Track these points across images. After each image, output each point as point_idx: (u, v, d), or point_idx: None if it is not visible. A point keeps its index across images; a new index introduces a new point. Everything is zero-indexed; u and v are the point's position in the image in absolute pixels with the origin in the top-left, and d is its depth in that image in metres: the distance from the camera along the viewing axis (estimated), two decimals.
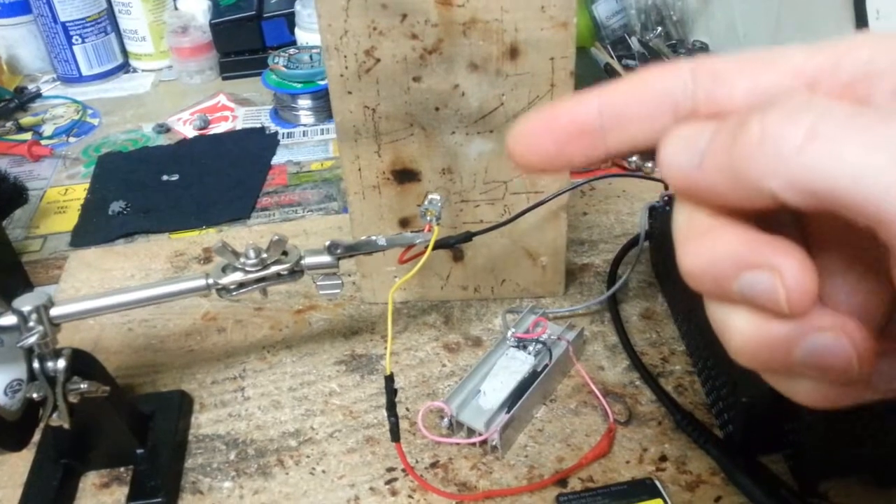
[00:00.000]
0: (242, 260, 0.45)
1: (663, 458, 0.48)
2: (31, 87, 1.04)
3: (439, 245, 0.50)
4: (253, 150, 0.86)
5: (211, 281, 0.45)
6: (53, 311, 0.42)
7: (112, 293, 0.44)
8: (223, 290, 0.45)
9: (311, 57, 0.91)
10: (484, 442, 0.49)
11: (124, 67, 1.08)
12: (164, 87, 1.04)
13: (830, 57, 0.18)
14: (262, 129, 0.91)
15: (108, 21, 1.04)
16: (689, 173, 0.18)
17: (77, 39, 1.01)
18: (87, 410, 0.44)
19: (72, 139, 0.92)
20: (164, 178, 0.82)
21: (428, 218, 0.49)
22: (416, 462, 0.49)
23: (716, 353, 0.49)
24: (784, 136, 0.16)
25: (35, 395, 0.41)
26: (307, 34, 0.98)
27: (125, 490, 0.48)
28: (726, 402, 0.48)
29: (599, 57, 0.93)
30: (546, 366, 0.52)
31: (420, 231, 0.49)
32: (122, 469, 0.49)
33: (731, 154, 0.17)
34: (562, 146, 0.20)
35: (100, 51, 1.04)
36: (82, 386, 0.42)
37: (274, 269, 0.45)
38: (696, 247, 0.18)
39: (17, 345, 0.41)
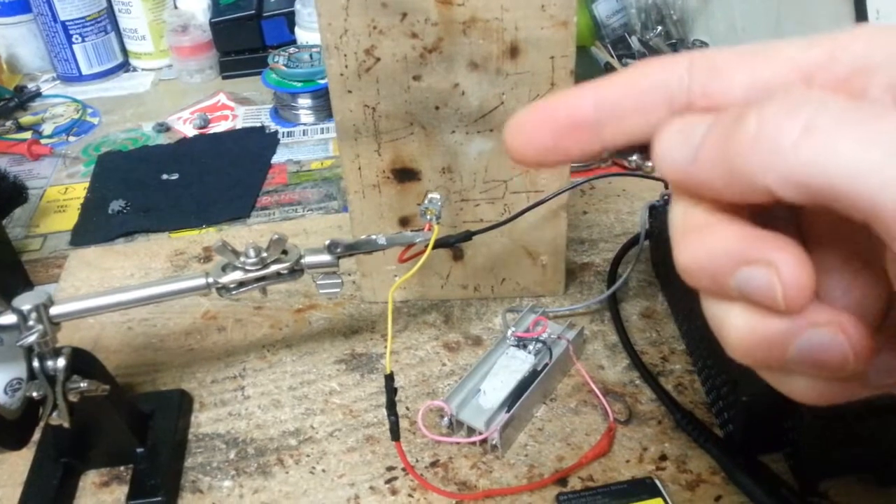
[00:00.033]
0: (242, 259, 0.45)
1: (663, 458, 0.48)
2: (31, 86, 1.04)
3: (439, 244, 0.50)
4: (253, 149, 0.86)
5: (211, 280, 0.45)
6: (53, 310, 0.42)
7: (112, 292, 0.44)
8: (223, 289, 0.45)
9: (311, 56, 0.91)
10: (484, 441, 0.49)
11: (124, 66, 1.08)
12: (164, 86, 1.04)
13: (826, 50, 0.18)
14: (262, 128, 0.91)
15: (108, 20, 1.04)
16: (683, 168, 0.18)
17: (77, 38, 1.01)
18: (86, 409, 0.44)
19: (72, 138, 0.92)
20: (164, 177, 0.82)
21: (428, 217, 0.49)
22: (416, 461, 0.49)
23: (716, 352, 0.49)
24: (780, 130, 0.16)
25: (35, 394, 0.41)
26: (307, 33, 0.98)
27: (125, 489, 0.48)
28: (726, 402, 0.48)
29: (600, 56, 0.93)
30: (546, 365, 0.52)
31: (420, 230, 0.49)
32: (121, 468, 0.49)
33: (726, 149, 0.17)
34: (557, 140, 0.20)
35: (100, 50, 1.04)
36: (82, 385, 0.42)
37: (274, 268, 0.45)
38: (693, 242, 0.18)
39: (16, 343, 0.41)
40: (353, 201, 0.56)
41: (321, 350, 0.58)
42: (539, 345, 0.53)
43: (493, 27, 0.48)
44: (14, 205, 0.71)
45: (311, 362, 0.57)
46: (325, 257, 0.46)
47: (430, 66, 0.49)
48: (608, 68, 0.90)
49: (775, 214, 0.18)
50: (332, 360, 0.57)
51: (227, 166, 0.83)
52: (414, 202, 0.56)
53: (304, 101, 0.91)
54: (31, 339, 0.40)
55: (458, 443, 0.49)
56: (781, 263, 0.16)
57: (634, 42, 0.94)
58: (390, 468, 0.49)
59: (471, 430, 0.49)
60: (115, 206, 0.76)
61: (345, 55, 0.49)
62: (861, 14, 0.65)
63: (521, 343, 0.54)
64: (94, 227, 0.74)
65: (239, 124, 0.92)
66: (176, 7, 1.07)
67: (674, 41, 0.95)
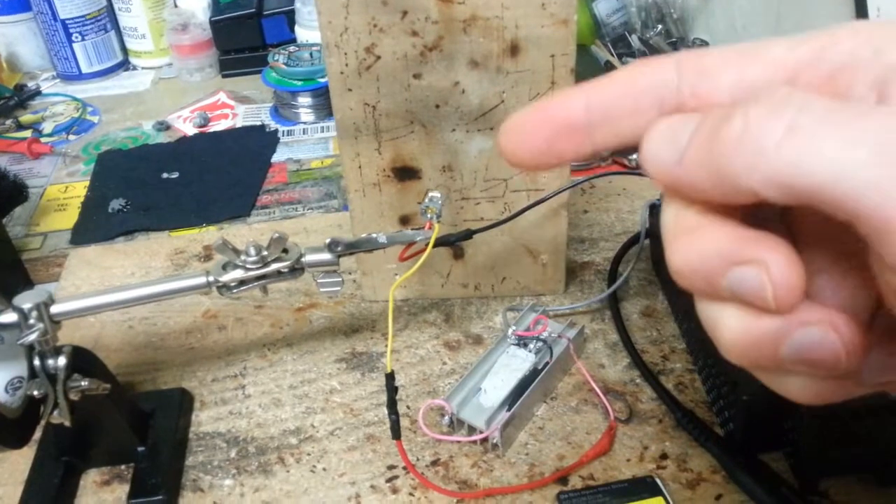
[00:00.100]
0: (243, 257, 0.45)
1: (664, 456, 0.48)
2: (31, 84, 1.04)
3: (440, 243, 0.50)
4: (253, 147, 0.86)
5: (211, 278, 0.45)
6: (54, 309, 0.42)
7: (112, 291, 0.44)
8: (224, 288, 0.45)
9: (311, 54, 0.91)
10: (485, 440, 0.49)
11: (124, 65, 1.08)
12: (164, 85, 1.04)
13: (813, 48, 0.18)
14: (262, 126, 0.91)
15: (108, 18, 1.04)
16: (670, 169, 0.18)
17: (77, 37, 1.01)
18: (87, 408, 0.44)
19: (72, 137, 0.92)
20: (165, 175, 0.82)
21: (428, 215, 0.49)
22: (417, 460, 0.49)
23: (716, 351, 0.49)
24: (764, 131, 0.16)
25: (36, 393, 0.41)
26: (307, 32, 0.98)
27: (126, 488, 0.48)
28: (727, 400, 0.48)
29: (600, 55, 0.93)
30: (546, 364, 0.52)
31: (420, 229, 0.49)
32: (122, 467, 0.49)
33: (711, 150, 0.17)
34: (550, 142, 0.20)
35: (99, 48, 1.04)
36: (83, 383, 0.42)
37: (274, 266, 0.45)
38: (685, 244, 0.18)
39: (17, 342, 0.41)
40: (354, 200, 0.56)
41: (322, 349, 0.58)
42: (540, 343, 0.53)
43: (494, 25, 0.48)
44: (14, 203, 0.71)
45: (312, 361, 0.57)
46: (326, 256, 0.46)
47: (431, 64, 0.49)
48: (608, 67, 0.90)
49: (766, 215, 0.18)
50: (332, 359, 0.57)
51: (228, 165, 0.83)
52: (414, 201, 0.56)
53: (305, 100, 0.91)
54: (32, 337, 0.40)
55: (458, 441, 0.50)
56: (771, 263, 0.17)
57: (634, 41, 0.94)
58: (391, 467, 0.49)
59: (471, 429, 0.49)
60: (116, 204, 0.76)
61: (345, 53, 0.49)
62: (861, 12, 0.65)
63: (522, 342, 0.54)
64: (94, 226, 0.74)
65: (239, 123, 0.92)
66: (176, 5, 1.07)
67: (674, 40, 0.95)
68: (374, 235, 0.47)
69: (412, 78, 0.50)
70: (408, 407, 0.53)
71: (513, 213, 0.55)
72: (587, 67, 0.90)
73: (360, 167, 0.54)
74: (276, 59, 0.91)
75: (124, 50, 1.08)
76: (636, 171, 0.70)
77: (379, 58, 0.49)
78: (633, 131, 0.19)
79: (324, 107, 0.90)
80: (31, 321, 0.41)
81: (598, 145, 0.20)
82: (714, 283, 0.18)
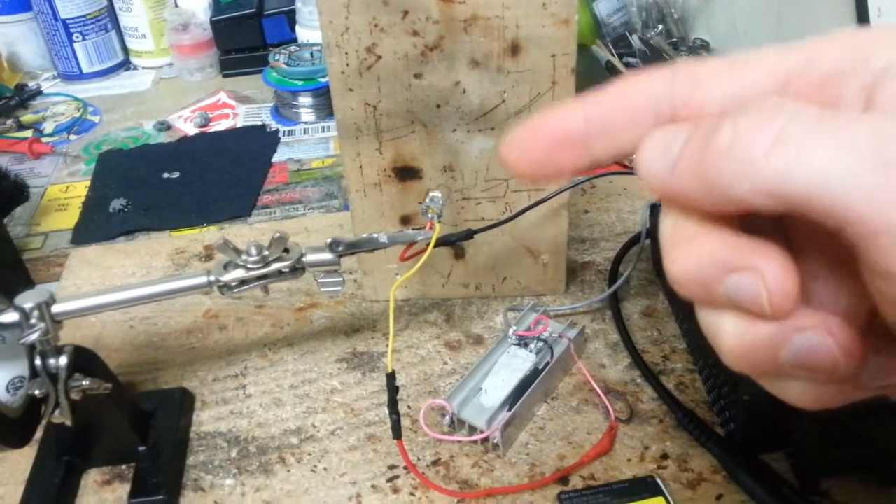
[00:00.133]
0: (244, 257, 0.45)
1: (665, 456, 0.48)
2: (32, 84, 1.04)
3: (441, 243, 0.50)
4: (254, 147, 0.86)
5: (212, 278, 0.45)
6: (55, 308, 0.42)
7: (114, 290, 0.44)
8: (225, 288, 0.45)
9: (311, 54, 0.91)
10: (485, 440, 0.49)
11: (125, 65, 1.08)
12: (165, 85, 1.04)
13: (803, 57, 0.18)
14: (263, 126, 0.91)
15: (109, 18, 1.04)
16: (663, 178, 0.18)
17: (77, 37, 1.01)
18: (88, 407, 0.44)
19: (72, 137, 0.92)
20: (165, 175, 0.82)
21: (429, 215, 0.49)
22: (418, 460, 0.49)
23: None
24: (753, 140, 0.16)
25: (37, 392, 0.41)
26: (308, 31, 0.98)
27: (127, 487, 0.48)
28: (727, 400, 0.48)
29: (600, 54, 0.93)
30: (547, 364, 0.52)
31: (421, 229, 0.49)
32: (123, 466, 0.49)
33: (701, 159, 0.17)
34: (550, 154, 0.21)
35: (100, 48, 1.04)
36: (84, 383, 0.42)
37: (275, 266, 0.45)
38: (682, 254, 0.19)
39: (18, 342, 0.41)
40: (355, 200, 0.56)
41: (322, 349, 0.58)
42: (540, 343, 0.53)
43: (495, 25, 0.48)
44: (15, 203, 0.71)
45: (313, 361, 0.57)
46: (327, 256, 0.46)
47: (432, 64, 0.49)
48: (609, 67, 0.90)
49: (763, 224, 0.19)
50: (333, 359, 0.57)
51: (228, 165, 0.83)
52: (415, 201, 0.56)
53: (305, 100, 0.91)
54: (34, 337, 0.40)
55: (459, 441, 0.50)
56: (766, 270, 0.17)
57: (635, 41, 0.94)
58: (392, 467, 0.49)
59: (472, 429, 0.49)
60: (116, 204, 0.76)
61: (346, 53, 0.49)
62: (862, 12, 0.65)
63: (523, 342, 0.54)
64: (95, 226, 0.74)
65: (240, 123, 0.92)
66: (177, 5, 1.07)
67: (674, 40, 0.95)
68: (375, 235, 0.47)
69: (413, 78, 0.50)
70: (409, 407, 0.53)
71: (514, 213, 0.55)
72: (588, 67, 0.90)
73: (361, 167, 0.54)
74: (276, 58, 0.91)
75: (125, 50, 1.08)
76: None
77: (380, 57, 0.49)
78: (630, 142, 0.20)
79: (324, 107, 0.90)
80: (33, 321, 0.41)
81: (597, 156, 0.21)
82: (711, 291, 0.18)
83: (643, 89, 0.20)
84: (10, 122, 0.94)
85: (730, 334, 0.18)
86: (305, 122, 0.91)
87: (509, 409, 0.49)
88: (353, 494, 0.47)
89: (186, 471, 0.49)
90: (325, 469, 0.49)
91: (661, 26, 0.95)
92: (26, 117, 0.96)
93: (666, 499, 0.45)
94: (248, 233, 0.72)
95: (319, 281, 0.47)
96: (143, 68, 1.08)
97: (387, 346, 0.57)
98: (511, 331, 0.55)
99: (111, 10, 1.04)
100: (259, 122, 0.92)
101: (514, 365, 0.52)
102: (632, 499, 0.45)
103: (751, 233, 0.18)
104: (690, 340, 0.56)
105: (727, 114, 0.17)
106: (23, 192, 0.71)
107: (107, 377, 0.45)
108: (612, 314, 0.59)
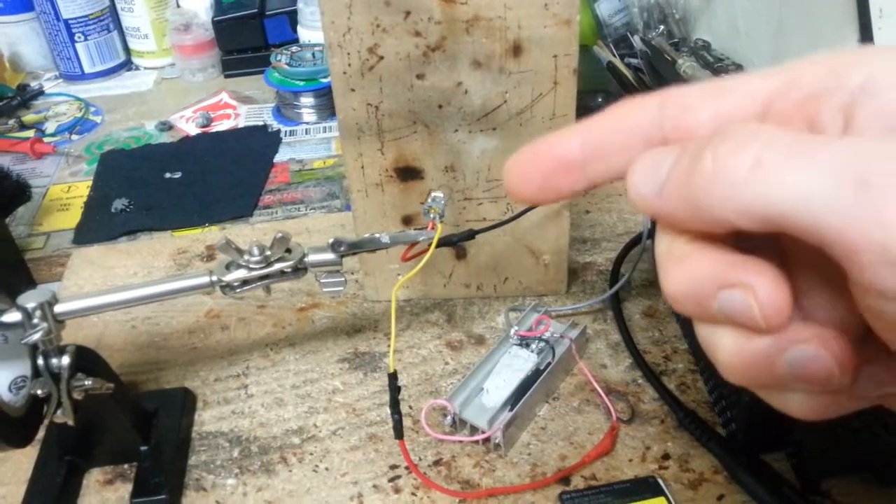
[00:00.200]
0: (246, 257, 0.45)
1: (666, 457, 0.48)
2: (34, 84, 1.04)
3: (442, 243, 0.50)
4: (255, 147, 0.87)
5: (215, 278, 0.45)
6: (58, 308, 0.42)
7: (116, 290, 0.44)
8: (227, 288, 0.45)
9: (313, 55, 0.91)
10: (487, 440, 0.49)
11: (127, 65, 1.08)
12: (167, 85, 1.04)
13: (784, 80, 0.19)
14: (265, 126, 0.91)
15: (111, 18, 1.04)
16: (651, 201, 0.19)
17: (79, 37, 1.01)
18: (91, 407, 0.44)
19: (74, 137, 0.92)
20: (167, 175, 0.82)
21: (431, 216, 0.49)
22: (420, 460, 0.49)
23: None
24: (732, 166, 0.17)
25: (39, 392, 0.41)
26: (309, 32, 0.98)
27: (129, 487, 0.48)
28: (729, 401, 0.48)
29: (602, 55, 0.93)
30: (549, 364, 0.52)
31: (423, 229, 0.49)
32: (125, 466, 0.49)
33: (688, 183, 0.18)
34: (548, 179, 0.22)
35: (102, 48, 1.04)
36: (86, 383, 0.42)
37: (277, 266, 0.45)
38: (677, 271, 0.19)
39: (21, 341, 0.41)
40: (356, 200, 0.56)
41: (324, 349, 0.58)
42: (542, 344, 0.53)
43: (496, 26, 0.48)
44: (17, 203, 0.71)
45: (315, 361, 0.57)
46: (329, 256, 0.46)
47: (434, 64, 0.49)
48: (610, 67, 0.90)
49: (756, 241, 0.19)
50: (335, 359, 0.57)
51: (230, 165, 0.83)
52: (417, 201, 0.56)
53: (307, 100, 0.91)
54: (36, 336, 0.40)
55: (461, 441, 0.50)
56: (757, 286, 0.17)
57: (637, 41, 0.94)
58: (393, 466, 0.49)
59: (474, 429, 0.49)
60: (118, 204, 0.77)
61: (348, 53, 0.49)
62: (863, 12, 0.65)
63: (524, 342, 0.54)
64: (97, 226, 0.75)
65: (241, 123, 0.93)
66: (178, 6, 1.07)
67: (676, 40, 0.95)
68: (377, 235, 0.47)
69: (415, 78, 0.50)
70: (410, 407, 0.53)
71: (515, 214, 0.55)
72: (589, 68, 0.90)
73: (362, 167, 0.54)
74: (278, 59, 0.91)
75: (127, 50, 1.08)
76: None
77: (382, 58, 0.49)
78: (624, 166, 0.21)
79: (326, 107, 0.91)
80: (35, 320, 0.41)
81: (593, 180, 0.22)
82: (705, 307, 0.18)
83: (634, 115, 0.21)
84: (12, 122, 0.94)
85: (727, 348, 0.19)
86: (307, 123, 0.91)
87: (511, 410, 0.49)
88: (355, 494, 0.47)
89: (188, 470, 0.49)
90: (326, 469, 0.49)
91: (662, 27, 0.95)
92: (28, 117, 0.96)
93: (667, 499, 0.45)
94: (250, 233, 0.72)
95: (321, 281, 0.47)
96: (145, 68, 1.08)
97: (388, 346, 0.57)
98: (512, 331, 0.55)
99: (113, 10, 1.04)
100: (261, 123, 0.92)
101: (515, 365, 0.52)
102: (633, 499, 0.45)
103: (744, 249, 0.19)
104: (692, 341, 0.56)
105: (710, 138, 0.18)
106: (25, 192, 0.71)
107: (109, 377, 0.45)
108: (614, 314, 0.59)
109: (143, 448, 0.49)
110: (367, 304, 0.62)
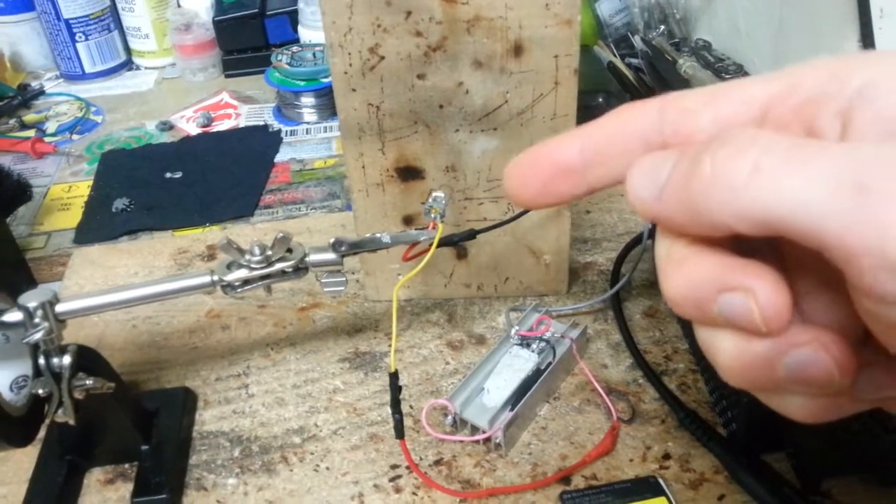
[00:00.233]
0: (247, 257, 0.45)
1: (667, 457, 0.48)
2: (35, 84, 1.04)
3: (443, 243, 0.50)
4: (256, 147, 0.87)
5: (216, 278, 0.45)
6: (59, 308, 0.42)
7: (118, 289, 0.44)
8: (228, 287, 0.45)
9: (314, 55, 0.91)
10: (487, 439, 0.49)
11: (127, 65, 1.08)
12: (168, 85, 1.04)
13: (783, 85, 0.19)
14: (266, 126, 0.91)
15: (112, 18, 1.04)
16: (651, 205, 0.19)
17: (80, 37, 1.01)
18: (92, 407, 0.44)
19: (75, 136, 0.92)
20: (168, 175, 0.82)
21: (432, 215, 0.49)
22: (420, 459, 0.49)
23: None
24: (732, 171, 0.17)
25: (40, 391, 0.41)
26: (310, 32, 0.98)
27: (130, 486, 0.48)
28: (729, 401, 0.48)
29: (602, 55, 0.93)
30: (549, 364, 0.52)
31: (424, 229, 0.49)
32: (126, 465, 0.49)
33: (686, 188, 0.18)
34: (548, 184, 0.22)
35: (103, 48, 1.04)
36: (87, 382, 0.42)
37: (278, 266, 0.45)
38: (677, 274, 0.19)
39: (22, 341, 0.41)
40: (357, 200, 0.56)
41: (325, 348, 0.58)
42: (542, 343, 0.53)
43: (498, 26, 0.48)
44: (18, 203, 0.71)
45: (315, 360, 0.57)
46: (330, 255, 0.46)
47: (435, 64, 0.49)
48: (611, 67, 0.90)
49: (756, 244, 0.19)
50: (335, 359, 0.57)
51: (231, 165, 0.83)
52: (418, 201, 0.56)
53: (308, 100, 0.91)
54: (38, 336, 0.40)
55: (461, 441, 0.50)
56: (758, 289, 0.17)
57: (637, 41, 0.94)
58: (394, 466, 0.49)
59: (474, 429, 0.49)
60: (119, 204, 0.77)
61: (349, 53, 0.49)
62: (864, 11, 0.65)
63: (525, 342, 0.54)
64: (97, 226, 0.75)
65: (242, 123, 0.93)
66: (179, 5, 1.07)
67: (677, 40, 0.95)
68: (378, 235, 0.47)
69: (416, 78, 0.50)
70: (411, 406, 0.53)
71: (516, 214, 0.55)
72: (590, 68, 0.90)
73: (363, 167, 0.54)
74: (279, 59, 0.91)
75: (128, 50, 1.08)
76: None
77: (383, 58, 0.49)
78: (623, 170, 0.21)
79: (327, 107, 0.91)
80: (37, 320, 0.41)
81: (593, 184, 0.22)
82: (705, 311, 0.19)
83: (634, 119, 0.21)
84: (12, 121, 0.95)
85: (726, 351, 0.19)
86: (308, 123, 0.91)
87: (511, 409, 0.49)
88: (356, 494, 0.47)
89: (189, 470, 0.49)
90: (327, 468, 0.49)
91: (663, 27, 0.95)
92: (29, 117, 0.96)
93: (668, 499, 0.45)
94: (251, 233, 0.72)
95: (322, 281, 0.47)
96: (146, 68, 1.08)
97: (389, 345, 0.57)
98: (513, 331, 0.55)
99: (114, 10, 1.04)
100: (261, 123, 0.92)
101: (516, 365, 0.52)
102: (634, 499, 0.45)
103: (744, 252, 0.19)
104: (692, 341, 0.56)
105: (709, 143, 0.18)
106: (25, 192, 0.71)
107: (110, 376, 0.45)
108: (614, 314, 0.59)
109: (144, 447, 0.49)
110: (367, 303, 0.62)
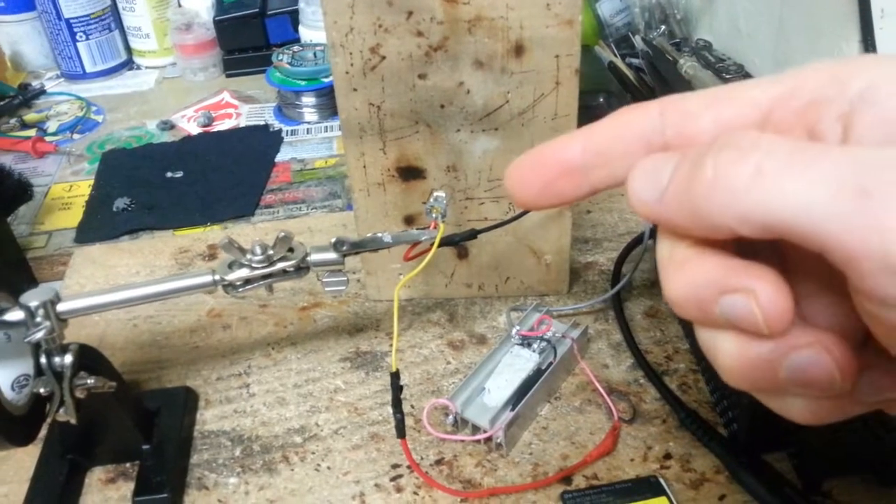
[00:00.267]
0: (249, 256, 0.45)
1: (668, 456, 0.48)
2: (35, 83, 1.04)
3: (444, 242, 0.50)
4: (257, 147, 0.87)
5: (217, 277, 0.45)
6: (60, 307, 0.42)
7: (119, 289, 0.44)
8: (230, 287, 0.45)
9: (314, 54, 0.91)
10: (489, 439, 0.49)
11: (128, 64, 1.08)
12: (168, 85, 1.04)
13: (784, 88, 0.19)
14: (266, 126, 0.91)
15: (112, 18, 1.04)
16: (652, 207, 0.19)
17: (81, 36, 1.01)
18: (93, 406, 0.44)
19: (76, 136, 0.92)
20: (169, 174, 0.82)
21: (433, 215, 0.49)
22: (421, 459, 0.49)
23: None
24: (733, 174, 0.17)
25: (42, 391, 0.41)
26: (311, 31, 0.98)
27: (131, 485, 0.48)
28: (730, 401, 0.48)
29: (603, 55, 0.93)
30: (550, 364, 0.52)
31: (425, 228, 0.49)
32: (127, 464, 0.50)
33: (688, 191, 0.18)
34: (549, 185, 0.22)
35: (104, 48, 1.04)
36: (89, 381, 0.42)
37: (280, 265, 0.45)
38: (678, 276, 0.19)
39: (24, 340, 0.41)
40: (358, 199, 0.56)
41: (326, 348, 0.58)
42: (543, 343, 0.54)
43: (499, 26, 0.48)
44: (19, 202, 0.71)
45: (316, 360, 0.57)
46: (331, 255, 0.46)
47: (436, 64, 0.50)
48: (612, 67, 0.90)
49: (758, 246, 0.19)
50: (336, 358, 0.57)
51: (231, 164, 0.84)
52: (419, 200, 0.56)
53: (308, 100, 0.91)
54: (39, 335, 0.40)
55: (462, 441, 0.50)
56: (760, 290, 0.17)
57: (638, 41, 0.94)
58: (395, 466, 0.49)
59: (475, 429, 0.49)
60: (120, 203, 0.77)
61: (350, 53, 0.49)
62: (865, 11, 0.65)
63: (526, 342, 0.54)
64: (98, 225, 0.75)
65: (243, 122, 0.93)
66: (180, 5, 1.07)
67: (677, 40, 0.95)
68: (379, 235, 0.47)
69: (417, 78, 0.50)
70: (412, 406, 0.53)
71: (517, 214, 0.55)
72: (591, 68, 0.90)
73: (364, 167, 0.54)
74: (279, 58, 0.91)
75: (128, 49, 1.08)
76: None
77: (384, 58, 0.49)
78: (625, 172, 0.21)
79: (327, 106, 0.91)
80: (38, 319, 0.41)
81: (595, 185, 0.22)
82: (707, 312, 0.19)
83: (636, 121, 0.21)
84: (13, 121, 0.95)
85: (728, 352, 0.19)
86: (308, 122, 0.91)
87: (512, 409, 0.49)
88: (357, 493, 0.47)
89: (190, 469, 0.49)
90: (328, 468, 0.49)
91: (663, 27, 0.95)
92: (30, 116, 0.96)
93: (669, 499, 0.45)
94: (252, 232, 0.72)
95: (323, 280, 0.47)
96: (147, 68, 1.08)
97: (390, 345, 0.57)
98: (514, 331, 0.55)
99: (114, 9, 1.04)
100: (262, 122, 0.92)
101: (517, 365, 0.52)
102: (635, 499, 0.45)
103: (746, 254, 0.19)
104: (693, 341, 0.56)
105: (711, 145, 0.18)
106: (26, 191, 0.71)
107: (111, 376, 0.45)
108: (615, 314, 0.59)
109: (145, 447, 0.49)
110: (368, 303, 0.62)
